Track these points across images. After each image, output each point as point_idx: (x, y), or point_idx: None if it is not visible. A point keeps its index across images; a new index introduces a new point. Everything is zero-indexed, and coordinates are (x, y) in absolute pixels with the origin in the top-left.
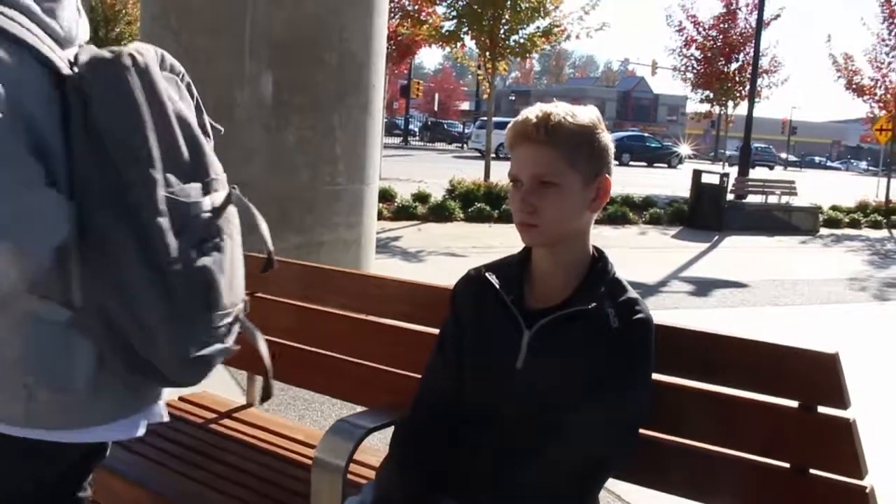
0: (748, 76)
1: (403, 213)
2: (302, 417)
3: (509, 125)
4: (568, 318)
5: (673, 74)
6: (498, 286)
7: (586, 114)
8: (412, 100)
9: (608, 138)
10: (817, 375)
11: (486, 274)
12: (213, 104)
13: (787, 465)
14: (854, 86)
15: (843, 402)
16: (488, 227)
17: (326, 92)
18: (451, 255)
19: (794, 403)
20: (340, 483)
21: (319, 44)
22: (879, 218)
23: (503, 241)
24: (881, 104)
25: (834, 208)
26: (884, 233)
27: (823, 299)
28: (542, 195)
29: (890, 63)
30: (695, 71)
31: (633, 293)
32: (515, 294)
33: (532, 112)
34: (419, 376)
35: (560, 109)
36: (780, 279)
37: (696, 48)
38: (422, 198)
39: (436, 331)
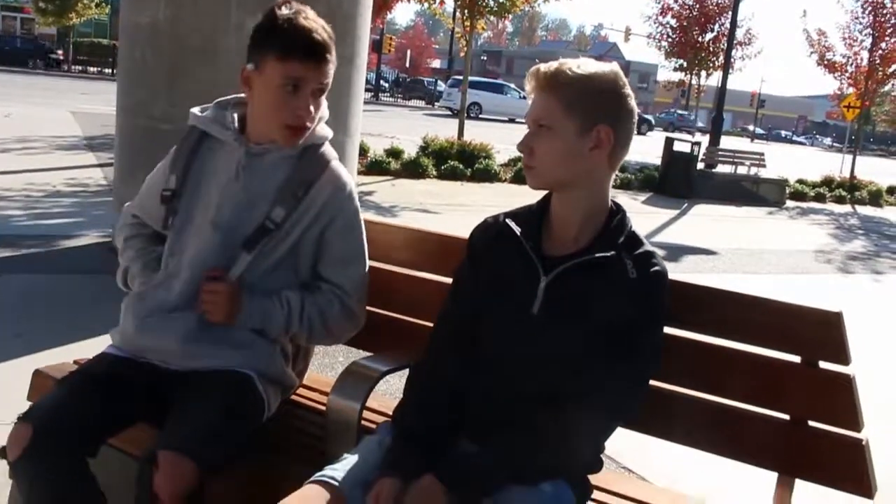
0: (722, 47)
1: (376, 168)
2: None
3: (529, 71)
4: (586, 266)
5: (647, 42)
6: (518, 232)
7: (596, 66)
8: (383, 55)
9: (619, 93)
10: (821, 333)
11: (506, 220)
12: (197, 49)
13: (787, 416)
14: (826, 62)
15: (845, 359)
16: (461, 185)
17: None
18: (425, 211)
19: (797, 359)
20: (356, 424)
21: None
22: (844, 193)
23: (475, 199)
24: (851, 81)
25: (800, 182)
26: (847, 208)
27: (791, 269)
28: (538, 138)
29: (862, 41)
30: (669, 39)
31: (649, 246)
32: (534, 241)
33: (545, 63)
34: (427, 324)
35: (572, 61)
36: (749, 248)
37: (672, 16)
38: (395, 153)
39: (443, 279)
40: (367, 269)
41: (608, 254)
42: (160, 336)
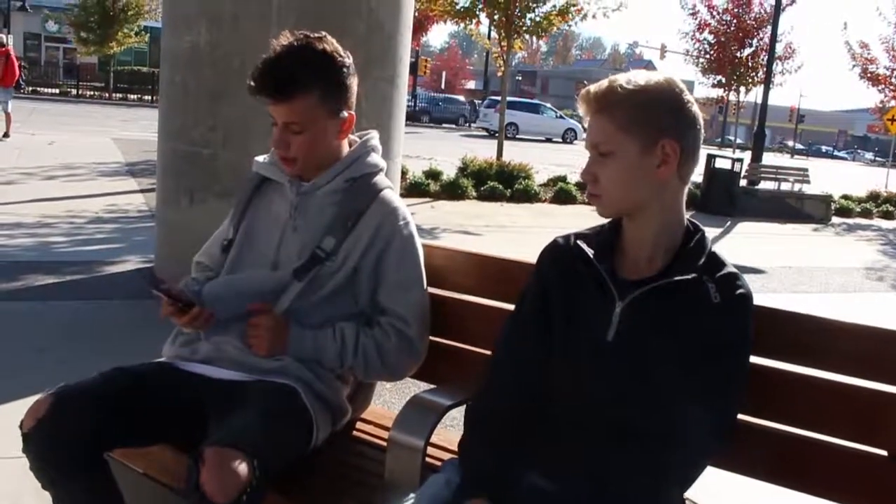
0: (761, 62)
1: (416, 190)
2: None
3: (579, 94)
4: (664, 290)
5: (685, 59)
6: (591, 254)
7: (647, 77)
8: (418, 77)
9: (677, 100)
10: None
11: (577, 242)
12: (237, 69)
13: (884, 452)
14: (869, 74)
15: None
16: (500, 205)
17: (353, 62)
18: (466, 233)
19: (893, 389)
20: (419, 463)
21: (347, 12)
22: (891, 208)
23: (516, 220)
24: (895, 93)
25: (845, 197)
26: (895, 223)
27: (842, 288)
28: (600, 164)
29: None
30: (707, 56)
31: (732, 268)
32: (607, 263)
33: (599, 82)
34: (487, 352)
35: (622, 77)
36: (797, 266)
37: (710, 32)
38: (434, 175)
39: (504, 305)
40: (425, 295)
41: (688, 276)
42: (218, 335)
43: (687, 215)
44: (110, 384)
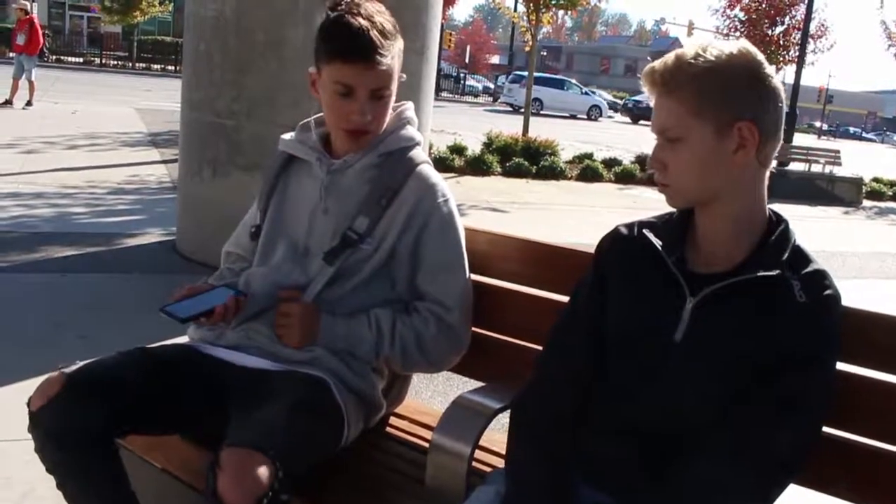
0: (793, 40)
1: (440, 166)
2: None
3: (643, 73)
4: (743, 287)
5: (714, 36)
6: (659, 245)
7: (721, 48)
8: (443, 51)
9: (755, 76)
10: None
11: (643, 231)
12: (263, 42)
13: None
14: None
15: None
16: (526, 182)
17: None
18: (493, 209)
19: None
20: (465, 471)
21: None
22: None
23: (542, 197)
24: None
25: (876, 180)
26: None
27: (877, 273)
28: (669, 152)
29: None
30: (737, 33)
31: (819, 265)
32: (677, 255)
33: (663, 58)
34: (534, 346)
35: (691, 49)
36: (830, 251)
37: (741, 9)
38: (458, 150)
39: (552, 295)
40: (468, 279)
41: (772, 273)
42: (247, 320)
43: None
44: (128, 365)
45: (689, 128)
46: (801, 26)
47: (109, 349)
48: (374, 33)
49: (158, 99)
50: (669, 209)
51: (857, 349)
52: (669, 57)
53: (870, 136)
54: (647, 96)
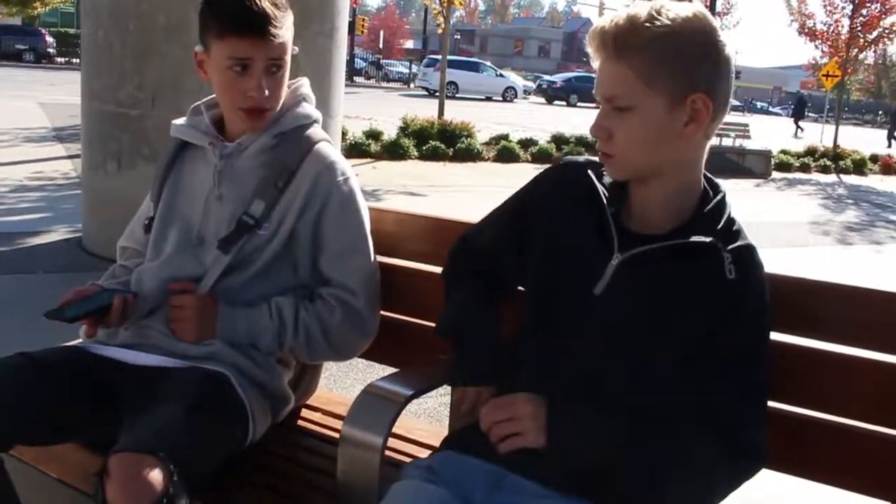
0: None
1: (356, 151)
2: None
3: (588, 32)
4: (672, 252)
5: None
6: (604, 193)
7: (678, 12)
8: (357, 37)
9: (713, 44)
10: None
11: (590, 172)
12: (164, 25)
13: None
14: (807, 30)
15: None
16: (443, 165)
17: None
18: (411, 193)
19: None
20: (377, 463)
21: None
22: (828, 163)
23: (460, 179)
24: (832, 49)
25: (784, 152)
26: (833, 177)
27: (790, 242)
28: (616, 120)
29: (843, 7)
30: None
31: (746, 238)
32: (616, 207)
33: (611, 17)
34: None
35: (644, 10)
36: (744, 222)
37: None
38: (374, 135)
39: None
40: (373, 261)
41: (704, 239)
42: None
43: None
44: (9, 373)
45: (641, 97)
46: (708, 3)
47: (8, 353)
48: (266, 4)
49: (63, 93)
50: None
51: (799, 319)
52: (620, 17)
53: (776, 110)
54: (592, 58)
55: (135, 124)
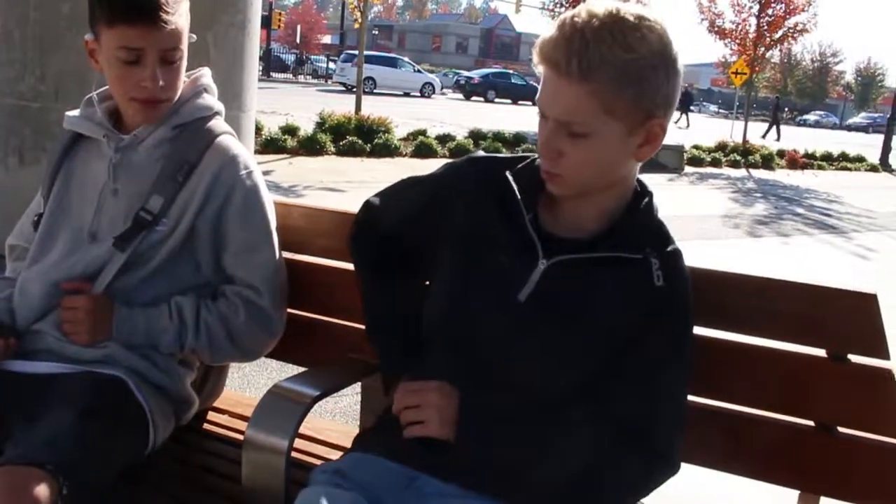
0: None
1: (272, 147)
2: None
3: (539, 38)
4: (597, 260)
5: (541, 12)
6: (519, 196)
7: (644, 32)
8: (273, 31)
9: (674, 67)
10: (851, 320)
11: (507, 174)
12: (68, 14)
13: (810, 422)
14: (716, 29)
15: (881, 351)
16: (361, 160)
17: (199, 6)
18: (328, 189)
19: (821, 352)
20: (283, 467)
21: None
22: (738, 158)
23: (378, 175)
24: (741, 48)
25: (696, 147)
26: (743, 172)
27: (701, 235)
28: (568, 142)
29: (750, 7)
30: (563, 8)
31: (673, 241)
32: (534, 211)
33: (570, 28)
34: (360, 326)
35: (609, 33)
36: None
37: None
38: (291, 130)
39: None
40: (278, 258)
41: (635, 256)
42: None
43: None
44: None
45: (599, 124)
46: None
47: None
48: None
49: None
50: (533, 156)
51: (706, 310)
52: (580, 32)
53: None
54: (535, 61)
55: (37, 118)
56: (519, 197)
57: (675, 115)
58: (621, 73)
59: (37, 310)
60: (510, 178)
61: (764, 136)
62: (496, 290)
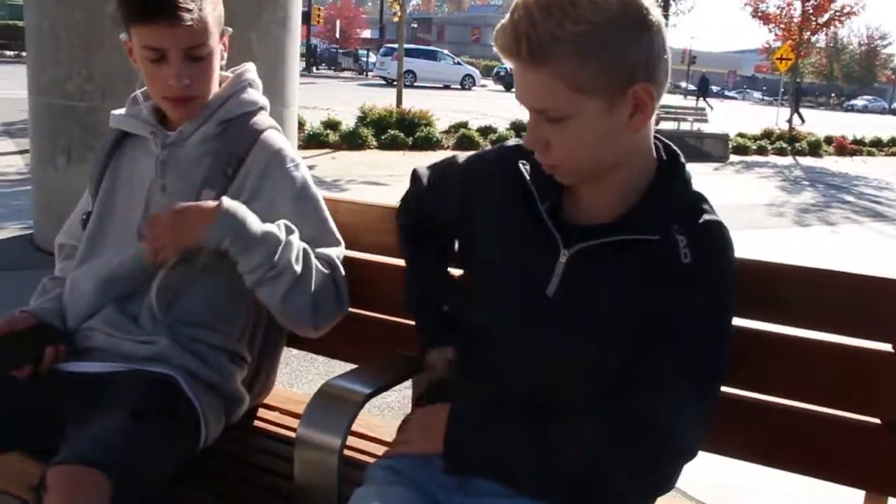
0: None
1: (314, 141)
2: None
3: (495, 29)
4: (620, 244)
5: None
6: (534, 187)
7: (597, 3)
8: (313, 27)
9: (642, 23)
10: None
11: (520, 164)
12: (113, 14)
13: (876, 420)
14: (760, 13)
15: None
16: (402, 154)
17: (242, 4)
18: (371, 183)
19: (887, 347)
20: (336, 466)
21: None
22: (784, 145)
23: None
24: (785, 32)
25: (741, 136)
26: (789, 160)
27: (746, 224)
28: (551, 129)
29: None
30: None
31: (713, 214)
32: (552, 201)
33: (519, 11)
34: (409, 322)
35: (557, 7)
36: None
37: None
38: (332, 125)
39: None
40: (341, 245)
41: (651, 237)
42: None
43: None
44: None
45: (573, 105)
46: None
47: None
48: None
49: (13, 87)
50: None
51: (759, 302)
52: (531, 16)
53: (732, 94)
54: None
55: (84, 118)
56: (532, 187)
57: (693, 100)
58: (577, 46)
59: (87, 308)
60: (523, 168)
61: (790, 121)
62: (524, 285)
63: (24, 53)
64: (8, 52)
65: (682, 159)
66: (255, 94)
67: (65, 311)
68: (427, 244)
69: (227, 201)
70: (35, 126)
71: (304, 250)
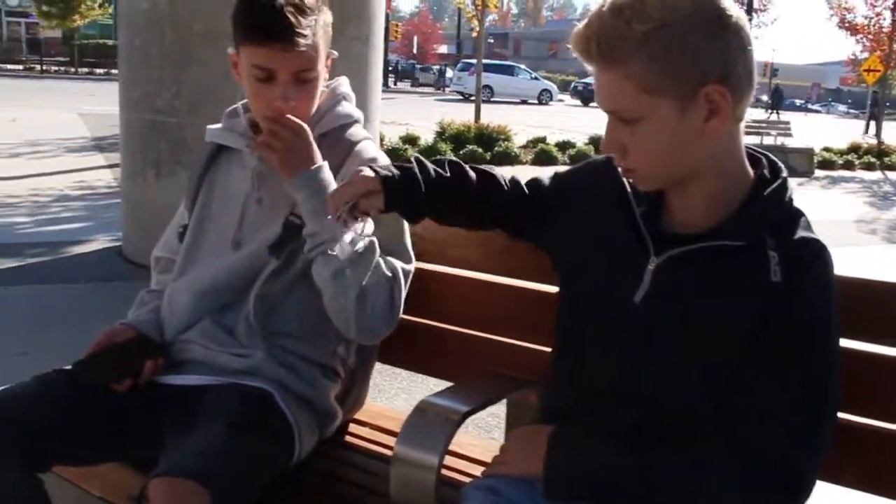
0: None
1: (393, 157)
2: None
3: (571, 35)
4: (713, 252)
5: None
6: (630, 191)
7: (667, 2)
8: (390, 42)
9: (714, 23)
10: None
11: (619, 169)
12: (201, 32)
13: None
14: (847, 24)
15: None
16: None
17: None
18: None
19: None
20: (433, 484)
21: None
22: (873, 160)
23: None
24: (874, 43)
25: (826, 150)
26: (878, 175)
27: (836, 242)
28: (626, 131)
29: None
30: None
31: (810, 232)
32: (647, 207)
33: (592, 17)
34: (508, 341)
35: (627, 6)
36: None
37: None
38: (411, 140)
39: (513, 281)
40: (411, 263)
41: (738, 243)
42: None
43: None
44: (45, 392)
45: (645, 106)
46: (745, 0)
47: (54, 365)
48: (288, 10)
49: (102, 103)
50: None
51: (859, 322)
52: (600, 17)
53: (815, 107)
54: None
55: (173, 133)
56: (630, 192)
57: (764, 112)
58: (644, 46)
59: (185, 321)
60: (621, 173)
61: (866, 132)
62: (611, 291)
63: (114, 71)
64: (98, 70)
65: (785, 173)
66: (350, 107)
67: (162, 324)
68: (478, 179)
69: (325, 167)
70: (125, 141)
71: (371, 242)
